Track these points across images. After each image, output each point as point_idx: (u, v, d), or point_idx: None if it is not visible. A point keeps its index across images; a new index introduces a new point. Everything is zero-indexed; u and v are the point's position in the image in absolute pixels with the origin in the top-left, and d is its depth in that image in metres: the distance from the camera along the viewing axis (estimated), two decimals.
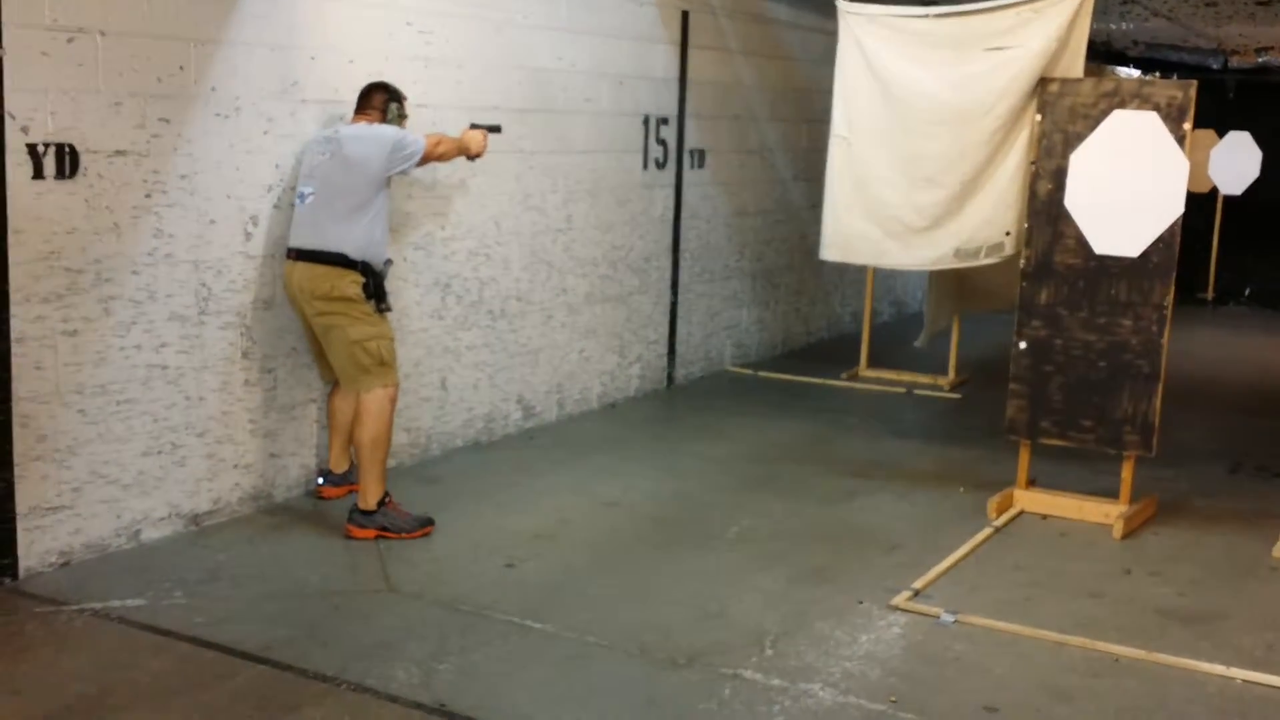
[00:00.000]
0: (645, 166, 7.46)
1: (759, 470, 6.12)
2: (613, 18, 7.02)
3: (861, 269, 8.67)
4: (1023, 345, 5.52)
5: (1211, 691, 3.85)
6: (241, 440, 5.07)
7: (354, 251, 4.78)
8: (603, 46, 6.95)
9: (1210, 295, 13.17)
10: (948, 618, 4.30)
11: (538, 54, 6.47)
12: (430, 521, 4.95)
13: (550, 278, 6.77)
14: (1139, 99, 5.29)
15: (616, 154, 7.24)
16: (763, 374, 8.42)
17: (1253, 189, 13.06)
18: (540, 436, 6.56)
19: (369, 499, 4.84)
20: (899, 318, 10.86)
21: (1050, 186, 5.37)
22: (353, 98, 5.13)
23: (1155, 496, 5.67)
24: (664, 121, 7.57)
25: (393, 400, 4.86)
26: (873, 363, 8.63)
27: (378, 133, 4.90)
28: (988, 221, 5.65)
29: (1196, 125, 12.95)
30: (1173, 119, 5.24)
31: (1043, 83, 5.37)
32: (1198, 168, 13.09)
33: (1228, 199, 13.14)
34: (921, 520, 5.43)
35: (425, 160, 4.95)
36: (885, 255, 5.81)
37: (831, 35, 6.11)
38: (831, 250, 5.97)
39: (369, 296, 4.81)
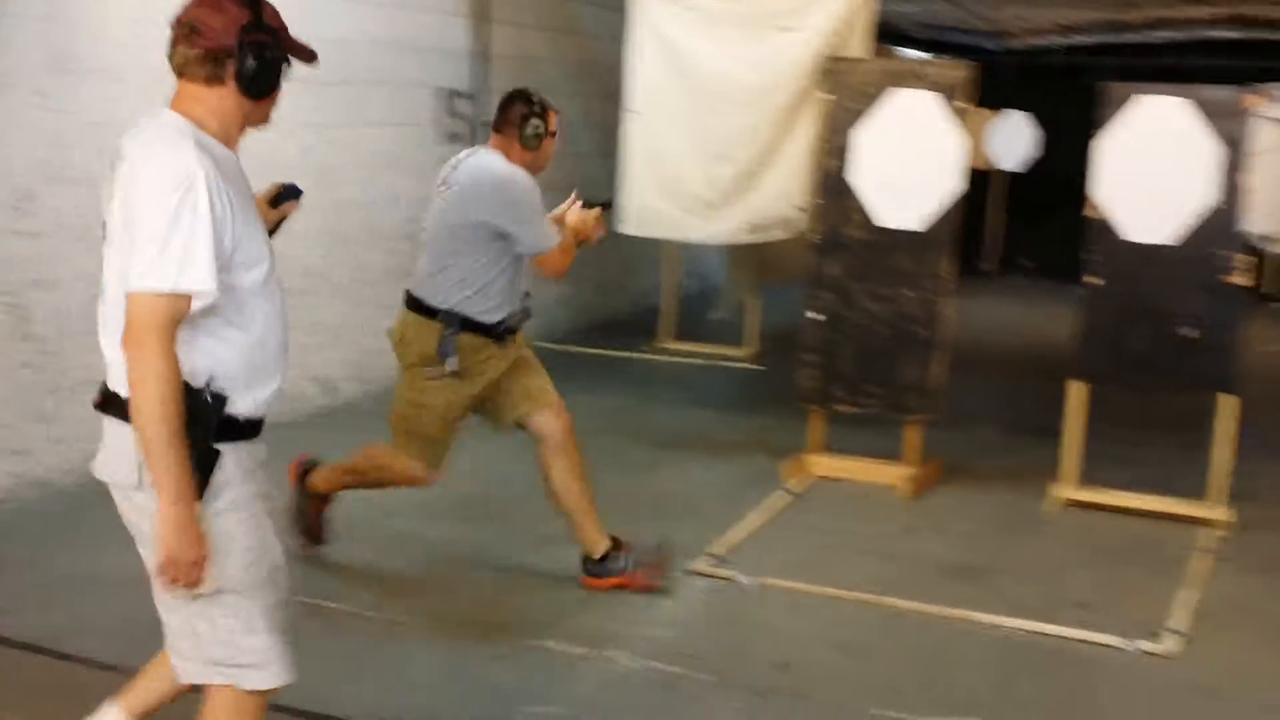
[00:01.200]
0: (444, 141, 7.38)
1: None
2: None
3: (664, 242, 8.79)
4: (812, 316, 5.70)
5: (987, 640, 4.09)
6: (19, 425, 4.82)
7: (442, 303, 4.09)
8: (402, 18, 6.84)
9: (990, 266, 13.83)
10: (745, 580, 4.42)
11: (337, 23, 6.32)
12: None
13: (348, 254, 6.64)
14: (918, 79, 5.52)
15: (415, 127, 7.15)
16: (567, 348, 8.45)
17: (1036, 166, 13.75)
18: (341, 416, 6.44)
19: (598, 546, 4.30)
20: (702, 291, 11.05)
21: (836, 163, 5.56)
22: (136, 73, 4.89)
23: (940, 459, 5.95)
24: (463, 95, 7.51)
25: (411, 478, 4.30)
26: (676, 335, 8.77)
27: (508, 201, 4.02)
28: (780, 196, 5.82)
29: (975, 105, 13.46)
30: (950, 99, 5.48)
31: (828, 62, 5.54)
32: (974, 145, 13.74)
33: (1014, 176, 13.79)
34: (722, 488, 5.57)
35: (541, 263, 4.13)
36: (682, 229, 5.91)
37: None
38: (630, 224, 6.05)
39: (440, 358, 4.06)
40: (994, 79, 14.69)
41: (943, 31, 15.03)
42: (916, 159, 5.47)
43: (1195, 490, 5.39)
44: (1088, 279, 5.42)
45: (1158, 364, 5.36)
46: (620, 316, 9.72)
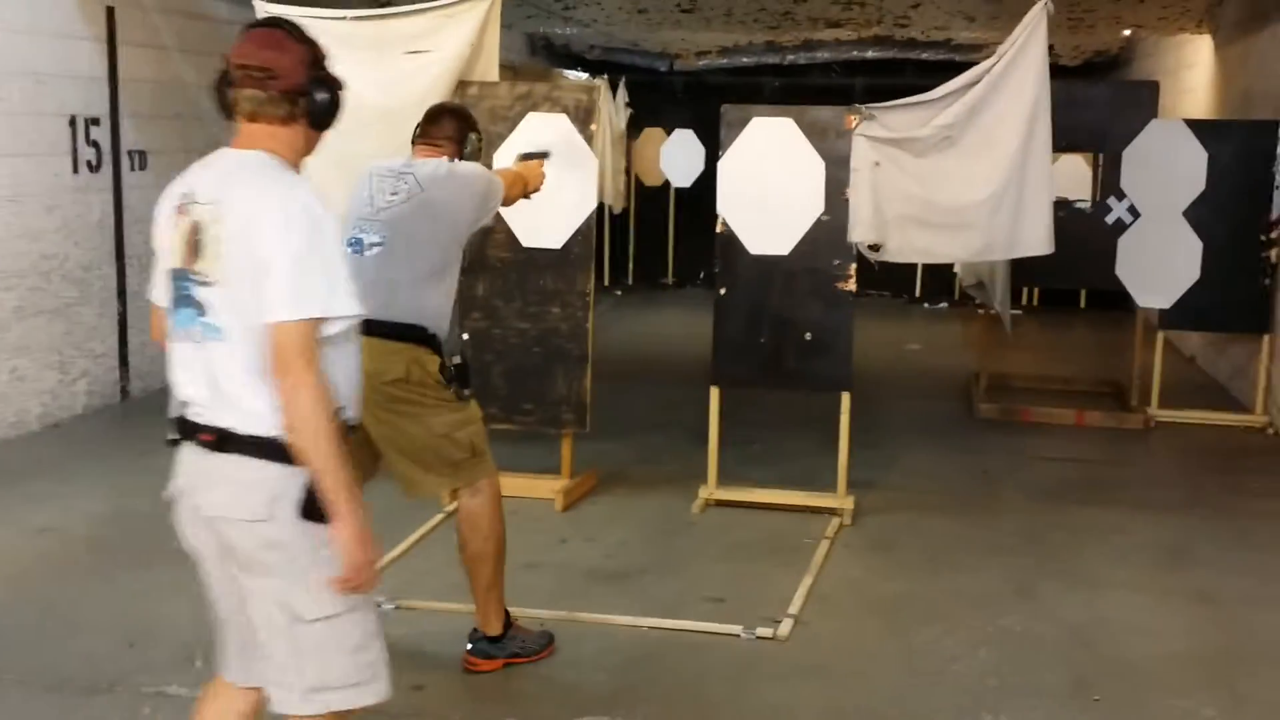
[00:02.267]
0: (76, 170, 7.02)
1: None
2: (22, 11, 6.54)
3: None
4: (465, 336, 5.75)
5: (621, 640, 4.24)
6: None
7: (431, 324, 3.80)
8: (14, 41, 6.45)
9: (670, 279, 14.32)
10: (388, 605, 4.41)
11: None
12: (552, 639, 4.12)
13: None
14: (550, 101, 5.67)
15: (41, 157, 6.77)
16: None
17: (702, 181, 14.31)
18: None
19: (495, 623, 3.96)
20: None
21: None
22: None
23: (596, 469, 6.11)
24: (95, 122, 7.16)
25: (499, 494, 3.97)
26: None
27: (467, 174, 3.96)
28: None
29: (648, 123, 13.89)
30: (580, 120, 5.65)
31: (462, 86, 5.61)
32: (649, 163, 14.22)
33: (681, 191, 14.30)
34: (384, 513, 5.49)
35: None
36: None
37: None
38: None
39: (448, 381, 3.80)
40: (668, 99, 15.34)
41: (615, 53, 15.50)
42: (558, 180, 5.59)
43: (830, 483, 5.76)
44: (719, 290, 5.71)
45: (784, 367, 5.71)
46: None
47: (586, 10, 10.49)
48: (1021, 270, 7.84)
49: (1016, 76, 5.51)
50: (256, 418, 2.40)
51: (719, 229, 5.67)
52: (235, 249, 2.38)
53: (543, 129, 5.60)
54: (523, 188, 4.41)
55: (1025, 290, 12.54)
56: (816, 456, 6.27)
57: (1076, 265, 7.93)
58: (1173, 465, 6.93)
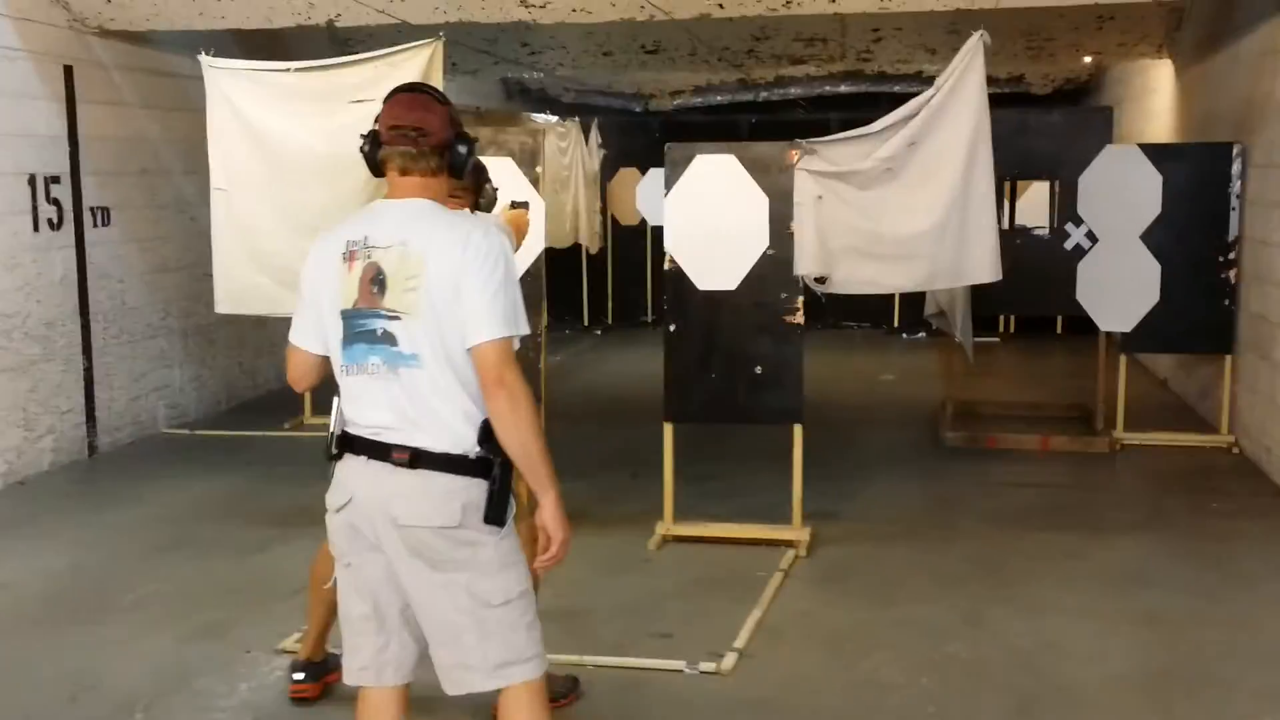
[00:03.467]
0: (37, 228, 7.08)
1: (174, 532, 5.98)
2: None
3: None
4: None
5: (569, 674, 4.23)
6: None
7: None
8: None
9: (649, 317, 14.35)
10: (337, 650, 4.41)
11: None
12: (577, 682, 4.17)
13: None
14: (495, 145, 5.73)
15: (5, 217, 6.83)
16: (200, 432, 8.22)
17: None
18: None
19: None
20: None
21: None
22: None
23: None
24: (55, 180, 7.22)
25: None
26: (317, 409, 8.65)
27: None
28: None
29: (623, 164, 13.97)
30: (526, 163, 5.71)
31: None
32: (626, 203, 14.29)
33: (658, 229, 14.28)
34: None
35: None
36: (281, 304, 5.86)
37: None
38: (225, 303, 5.98)
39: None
40: (644, 139, 15.43)
41: (589, 95, 15.64)
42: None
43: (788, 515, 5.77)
44: (669, 327, 5.75)
45: (735, 402, 5.74)
46: (267, 395, 9.52)
47: (552, 55, 10.60)
48: (983, 298, 7.88)
49: (955, 107, 5.57)
50: (449, 435, 2.74)
51: (667, 266, 5.72)
52: (436, 283, 2.69)
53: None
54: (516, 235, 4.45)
55: (1003, 317, 12.61)
56: (781, 490, 6.25)
57: (1038, 291, 8.01)
58: (1135, 488, 6.94)
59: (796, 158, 5.58)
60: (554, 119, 12.91)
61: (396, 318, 2.72)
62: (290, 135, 5.68)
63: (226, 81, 5.77)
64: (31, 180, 7.03)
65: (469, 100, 13.28)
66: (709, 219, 5.64)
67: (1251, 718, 3.94)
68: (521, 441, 2.71)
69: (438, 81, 5.73)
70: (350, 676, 2.95)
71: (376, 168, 2.86)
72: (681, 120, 16.09)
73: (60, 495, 6.78)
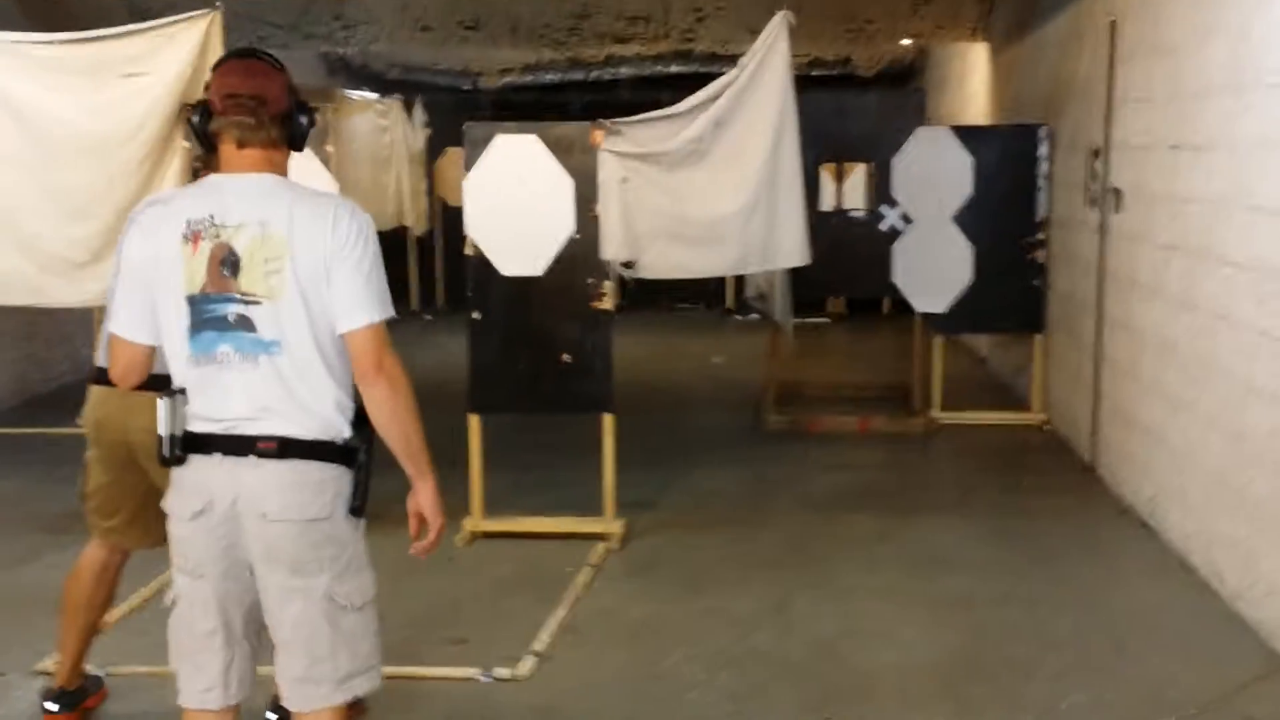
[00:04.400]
0: None
1: None
2: None
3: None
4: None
5: None
6: None
7: None
8: None
9: None
10: (98, 671, 4.08)
11: None
12: None
13: None
14: None
15: None
16: None
17: None
18: None
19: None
20: None
21: None
22: None
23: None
24: None
25: None
26: None
27: None
28: None
29: (450, 143, 13.60)
30: (315, 142, 5.40)
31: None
32: (453, 183, 13.93)
33: None
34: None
35: None
36: (43, 293, 5.45)
37: None
38: None
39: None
40: (472, 118, 15.08)
41: (416, 72, 15.22)
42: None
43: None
44: (472, 315, 5.52)
45: (542, 391, 5.56)
46: (59, 389, 8.96)
47: (366, 29, 10.21)
48: (802, 280, 7.85)
49: (761, 87, 5.47)
50: (317, 422, 2.61)
51: (468, 251, 5.49)
52: (304, 265, 2.54)
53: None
54: None
55: (831, 299, 12.71)
56: (592, 483, 6.11)
57: (855, 273, 8.03)
58: (948, 467, 7.00)
59: (601, 138, 5.41)
60: (373, 96, 12.47)
61: (256, 302, 2.57)
62: (53, 110, 5.25)
63: None
64: None
65: (307, 79, 12.74)
66: (511, 202, 5.42)
67: (1047, 701, 3.93)
68: (402, 428, 2.64)
69: (217, 52, 5.37)
70: (192, 700, 2.74)
71: (208, 141, 2.66)
72: (510, 100, 15.80)
73: None
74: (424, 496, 2.74)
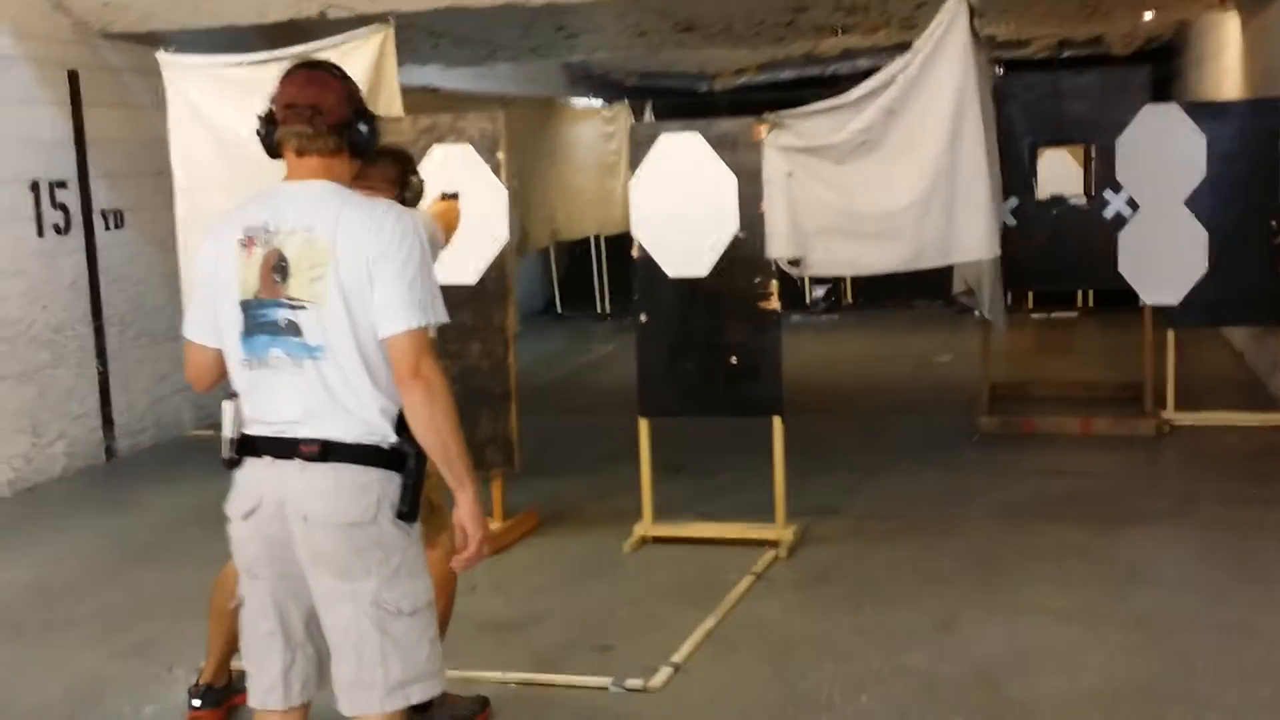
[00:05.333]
0: (41, 234, 7.10)
1: (155, 540, 5.91)
2: None
3: None
4: None
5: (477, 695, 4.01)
6: None
7: None
8: None
9: None
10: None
11: None
12: (487, 703, 3.92)
13: None
14: (455, 133, 5.51)
15: (10, 224, 6.87)
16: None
17: None
18: None
19: None
20: None
21: None
22: None
23: (535, 509, 5.90)
24: (61, 185, 7.24)
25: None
26: None
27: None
28: None
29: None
30: (486, 149, 5.48)
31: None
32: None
33: None
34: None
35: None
36: None
37: None
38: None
39: None
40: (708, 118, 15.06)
41: (653, 77, 15.34)
42: (464, 213, 5.44)
43: (795, 510, 5.46)
44: (639, 317, 5.47)
45: (711, 393, 5.43)
46: None
47: (589, 37, 10.33)
48: (1018, 273, 7.44)
49: (936, 72, 5.17)
50: (361, 427, 2.60)
51: (635, 253, 5.43)
52: (346, 270, 2.56)
53: (448, 161, 5.44)
54: (446, 228, 4.27)
55: (1080, 292, 11.98)
56: (762, 487, 5.94)
57: (1076, 264, 7.53)
58: (1173, 474, 6.44)
59: (764, 133, 5.24)
60: (597, 103, 12.61)
61: (302, 307, 2.60)
62: (244, 130, 5.52)
63: (184, 78, 5.68)
64: (35, 186, 7.05)
65: (531, 89, 13.05)
66: (676, 202, 5.34)
67: None
68: (439, 436, 2.58)
69: (392, 70, 5.56)
70: (255, 699, 2.79)
71: (273, 150, 2.73)
72: (745, 100, 15.64)
73: (63, 501, 6.79)
74: (463, 507, 2.65)
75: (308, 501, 2.61)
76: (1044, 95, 7.31)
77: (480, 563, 2.73)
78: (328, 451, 2.60)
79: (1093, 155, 7.38)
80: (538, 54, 11.38)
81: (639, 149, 5.40)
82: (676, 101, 14.78)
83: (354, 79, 5.22)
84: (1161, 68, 14.11)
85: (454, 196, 4.50)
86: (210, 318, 2.73)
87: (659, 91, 15.08)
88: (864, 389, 9.11)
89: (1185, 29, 12.85)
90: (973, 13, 5.22)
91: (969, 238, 5.28)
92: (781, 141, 5.23)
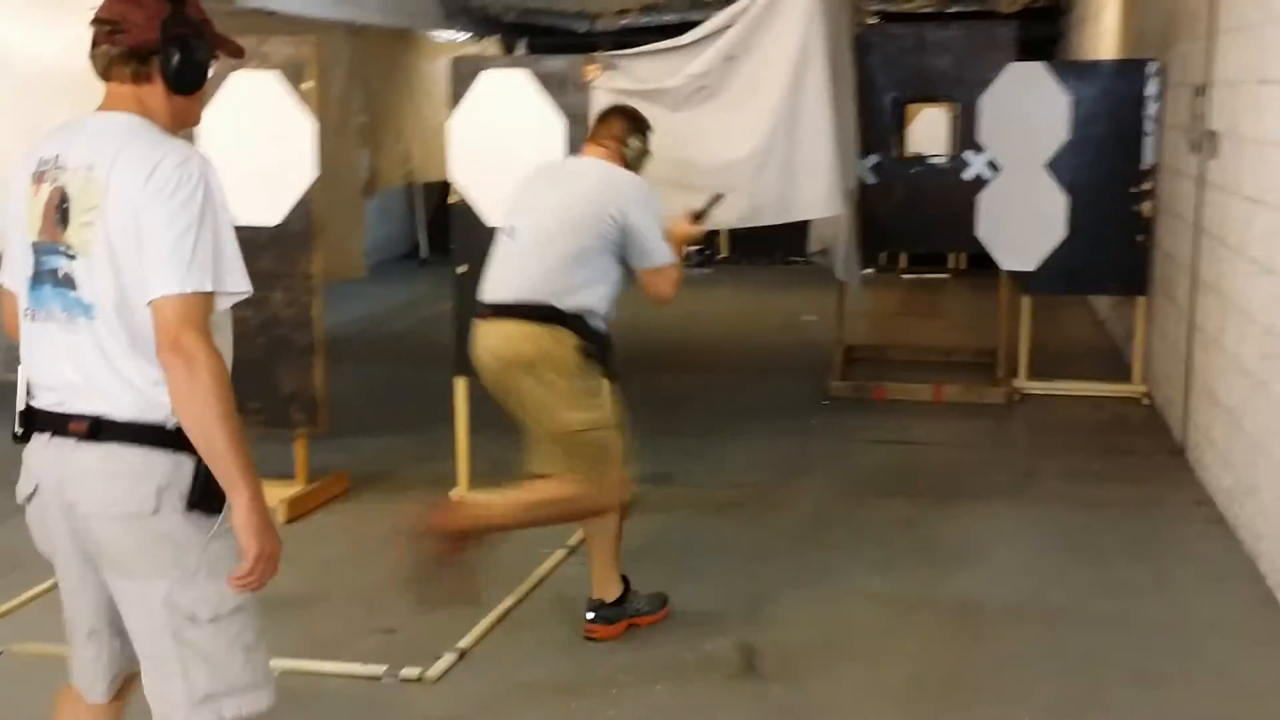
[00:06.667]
0: None
1: None
2: None
3: None
4: None
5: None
6: None
7: (570, 306, 3.70)
8: None
9: None
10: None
11: None
12: (666, 600, 4.09)
13: None
14: (259, 58, 5.03)
15: None
16: None
17: None
18: None
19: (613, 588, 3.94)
20: None
21: None
22: None
23: (346, 472, 5.51)
24: None
25: (624, 489, 3.97)
26: None
27: (619, 180, 3.86)
28: None
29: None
30: (292, 77, 5.02)
31: None
32: None
33: None
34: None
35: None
36: None
37: None
38: None
39: (586, 357, 3.73)
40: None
41: (533, 15, 14.80)
42: (266, 147, 5.00)
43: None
44: (458, 268, 5.08)
45: None
46: None
47: None
48: (876, 233, 7.19)
49: (780, 17, 4.86)
50: (136, 401, 2.24)
51: (452, 199, 5.04)
52: (115, 218, 2.21)
53: (249, 89, 4.97)
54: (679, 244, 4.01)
55: (952, 255, 11.85)
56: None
57: (936, 226, 7.30)
58: (1018, 445, 6.25)
59: (596, 73, 4.87)
60: (463, 37, 12.07)
61: (74, 256, 2.26)
62: (24, 45, 5.03)
63: None
64: None
65: (395, 19, 12.45)
66: (498, 145, 4.94)
67: None
68: (199, 423, 2.18)
69: None
70: (72, 680, 2.52)
71: (98, 71, 2.37)
72: (630, 43, 15.20)
73: None
74: (237, 515, 2.23)
75: (73, 488, 2.28)
76: (907, 49, 7.03)
77: (263, 585, 2.31)
78: (97, 429, 2.25)
79: (958, 114, 7.12)
80: None
81: (460, 85, 4.99)
82: (557, 41, 14.27)
83: None
84: (1049, 27, 14.07)
85: (716, 199, 4.18)
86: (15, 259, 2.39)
87: (539, 30, 14.56)
88: (728, 348, 8.85)
89: None
90: None
91: (810, 194, 4.99)
92: (614, 84, 4.87)
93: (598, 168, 3.89)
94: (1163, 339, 6.60)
